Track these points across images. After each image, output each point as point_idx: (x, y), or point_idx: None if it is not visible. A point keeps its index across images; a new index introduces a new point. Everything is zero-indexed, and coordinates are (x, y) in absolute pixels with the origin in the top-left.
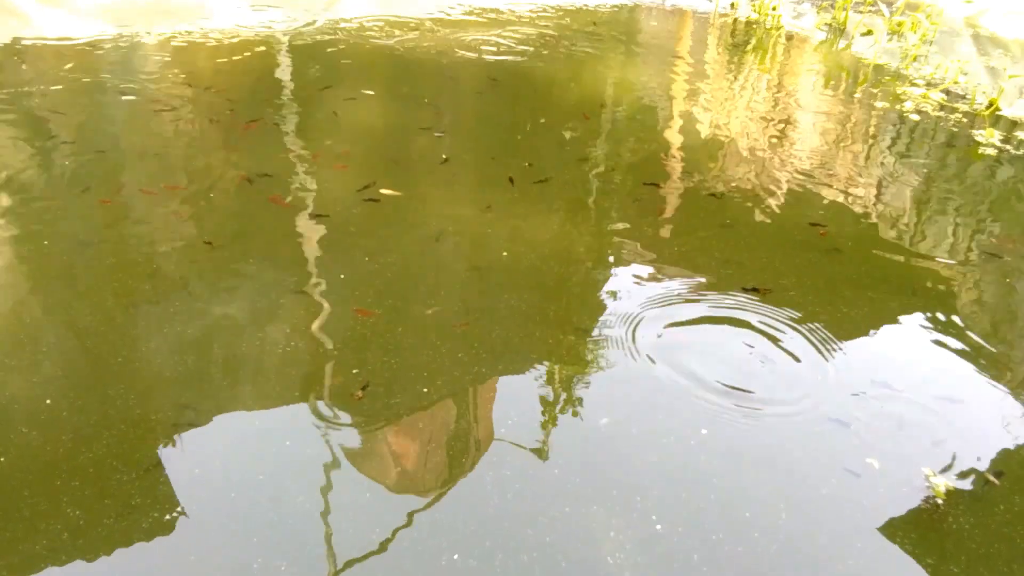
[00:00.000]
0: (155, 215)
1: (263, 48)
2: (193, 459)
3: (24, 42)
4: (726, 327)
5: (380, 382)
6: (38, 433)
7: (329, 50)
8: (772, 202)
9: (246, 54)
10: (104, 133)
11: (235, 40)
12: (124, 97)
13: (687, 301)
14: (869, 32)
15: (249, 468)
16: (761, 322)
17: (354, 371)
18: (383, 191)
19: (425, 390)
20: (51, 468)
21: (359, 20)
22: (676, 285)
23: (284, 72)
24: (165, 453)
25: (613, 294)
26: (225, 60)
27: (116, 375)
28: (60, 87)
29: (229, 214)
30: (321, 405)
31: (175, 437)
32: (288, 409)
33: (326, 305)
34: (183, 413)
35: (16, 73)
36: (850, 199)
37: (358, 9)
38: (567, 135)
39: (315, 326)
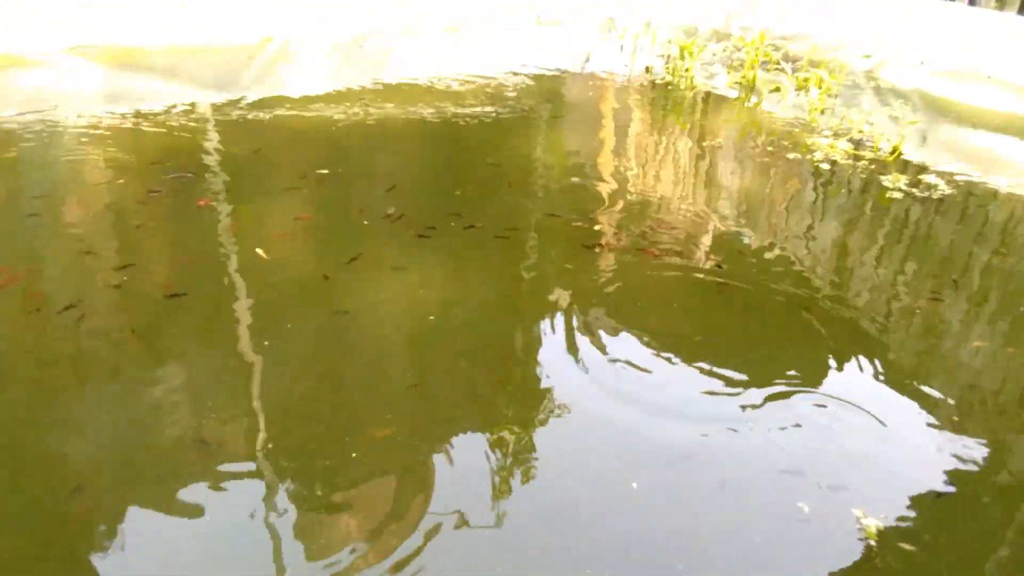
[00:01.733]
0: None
1: (194, 124)
2: (129, 559)
3: None
4: (661, 371)
5: (306, 457)
6: None
7: (255, 122)
8: (698, 254)
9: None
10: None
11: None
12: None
13: (624, 362)
14: (777, 89)
15: (185, 565)
16: (695, 372)
17: (289, 459)
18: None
19: (353, 455)
20: None
21: (273, 99)
22: (612, 339)
23: (213, 144)
24: (98, 554)
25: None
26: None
27: (41, 467)
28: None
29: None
30: (259, 488)
31: (109, 538)
32: (226, 498)
33: (259, 376)
34: (114, 510)
35: None
36: (773, 249)
37: (267, 91)
38: (496, 198)
39: (246, 399)
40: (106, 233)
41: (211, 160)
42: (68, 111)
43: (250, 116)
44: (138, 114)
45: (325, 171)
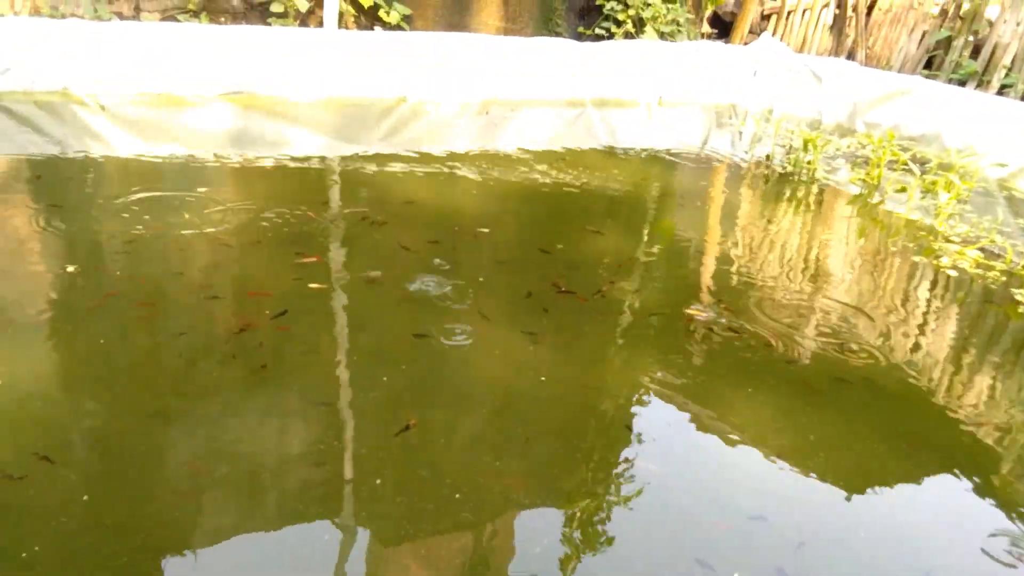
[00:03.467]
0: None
1: (331, 172)
2: None
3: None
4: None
5: (411, 493)
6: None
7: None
8: (807, 352)
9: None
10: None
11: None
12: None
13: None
14: (903, 189)
15: None
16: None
17: (377, 480)
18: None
19: (456, 495)
20: None
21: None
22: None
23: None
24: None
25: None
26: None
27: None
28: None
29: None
30: (336, 526)
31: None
32: (303, 531)
33: (355, 420)
34: (194, 536)
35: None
36: (889, 353)
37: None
38: (602, 284)
39: (343, 441)
40: (262, 270)
41: (363, 206)
42: (216, 151)
43: (394, 170)
44: (291, 158)
45: (486, 230)
